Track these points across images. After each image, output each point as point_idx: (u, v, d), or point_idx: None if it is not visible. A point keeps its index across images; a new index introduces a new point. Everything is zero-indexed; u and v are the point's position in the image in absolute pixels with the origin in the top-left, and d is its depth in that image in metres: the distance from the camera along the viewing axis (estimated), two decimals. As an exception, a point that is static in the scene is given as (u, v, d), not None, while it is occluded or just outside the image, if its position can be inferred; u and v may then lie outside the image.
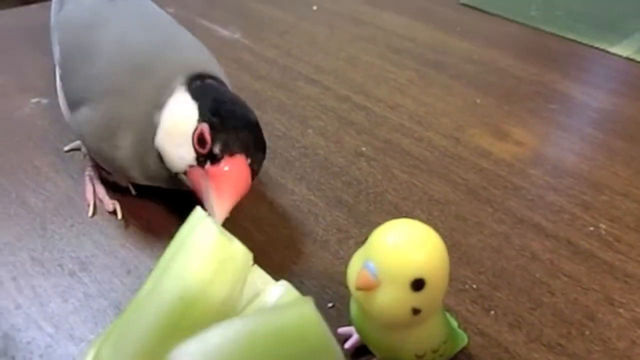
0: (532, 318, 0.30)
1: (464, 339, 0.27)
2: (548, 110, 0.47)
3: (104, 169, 0.35)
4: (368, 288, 0.22)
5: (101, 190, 0.35)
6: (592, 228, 0.35)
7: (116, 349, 0.21)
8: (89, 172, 0.35)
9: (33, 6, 0.57)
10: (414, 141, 0.42)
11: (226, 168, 0.28)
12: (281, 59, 0.52)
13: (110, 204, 0.34)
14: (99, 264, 0.30)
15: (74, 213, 0.33)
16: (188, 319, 0.22)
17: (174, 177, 0.30)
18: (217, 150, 0.28)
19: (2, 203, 0.34)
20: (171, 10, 0.58)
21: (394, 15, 0.62)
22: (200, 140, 0.28)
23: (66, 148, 0.38)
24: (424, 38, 0.57)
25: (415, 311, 0.22)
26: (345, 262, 0.23)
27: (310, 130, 0.42)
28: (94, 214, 0.34)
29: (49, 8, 0.39)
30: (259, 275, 0.25)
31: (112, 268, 0.30)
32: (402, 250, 0.22)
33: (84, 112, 0.31)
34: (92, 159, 0.35)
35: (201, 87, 0.30)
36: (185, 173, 0.29)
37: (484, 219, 0.35)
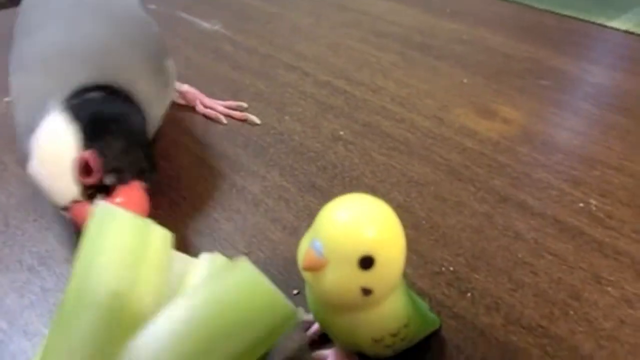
0: (511, 300, 0.28)
1: (435, 323, 0.26)
2: (539, 87, 0.45)
3: None
4: (314, 268, 0.20)
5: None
6: (581, 204, 0.33)
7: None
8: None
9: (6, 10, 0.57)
10: (394, 123, 0.40)
11: (120, 199, 0.25)
12: (262, 48, 0.50)
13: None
14: (60, 258, 0.30)
15: (38, 208, 0.33)
16: (125, 321, 0.20)
17: None
18: (109, 180, 0.25)
19: (-34, 200, 0.33)
20: (153, 6, 0.58)
21: (380, 0, 0.61)
22: (85, 170, 0.25)
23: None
24: (410, 21, 0.55)
25: (366, 291, 0.20)
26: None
27: (287, 117, 0.41)
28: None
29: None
30: (179, 258, 0.23)
31: (73, 261, 0.29)
32: (348, 227, 0.20)
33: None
34: None
35: (80, 104, 0.26)
36: (66, 209, 0.26)
37: (465, 198, 0.34)
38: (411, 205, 0.33)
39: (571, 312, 0.27)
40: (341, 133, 0.39)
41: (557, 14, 0.57)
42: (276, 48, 0.51)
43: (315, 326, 0.25)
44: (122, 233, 0.21)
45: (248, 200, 0.33)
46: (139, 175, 0.26)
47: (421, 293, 0.28)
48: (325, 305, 0.22)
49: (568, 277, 0.29)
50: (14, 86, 0.30)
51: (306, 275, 0.21)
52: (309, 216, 0.32)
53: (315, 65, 0.48)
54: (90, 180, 0.25)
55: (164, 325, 0.20)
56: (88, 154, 0.25)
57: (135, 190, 0.26)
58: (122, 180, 0.25)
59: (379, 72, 0.47)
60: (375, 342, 0.22)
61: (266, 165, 0.36)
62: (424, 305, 0.26)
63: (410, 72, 0.47)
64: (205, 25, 0.55)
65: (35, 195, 0.33)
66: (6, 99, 0.42)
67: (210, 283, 0.21)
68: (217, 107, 0.41)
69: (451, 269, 0.29)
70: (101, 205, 0.22)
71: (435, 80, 0.46)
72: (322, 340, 0.25)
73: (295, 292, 0.28)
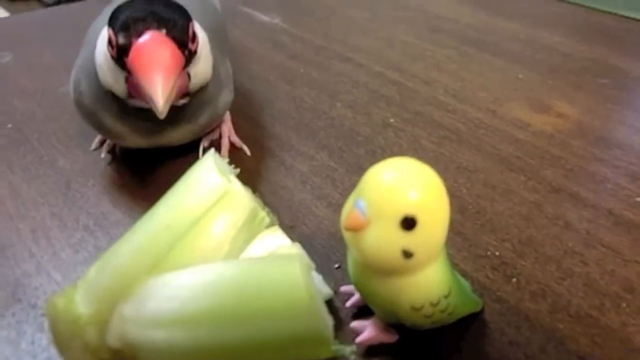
0: (559, 288, 0.27)
1: (477, 304, 0.25)
2: (597, 84, 0.43)
3: None
4: (356, 228, 0.20)
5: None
6: (638, 199, 0.32)
7: (100, 269, 0.21)
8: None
9: (80, 3, 0.61)
10: (446, 113, 0.40)
11: (137, 46, 0.26)
12: (317, 40, 0.51)
13: (105, 150, 0.36)
14: (113, 220, 0.31)
15: (97, 174, 0.34)
16: (175, 251, 0.21)
17: (138, 110, 0.30)
18: (121, 40, 0.27)
19: (33, 165, 0.35)
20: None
21: (438, -2, 0.61)
22: (110, 45, 0.28)
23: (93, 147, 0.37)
24: (467, 19, 0.55)
25: (407, 254, 0.20)
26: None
27: (339, 104, 0.41)
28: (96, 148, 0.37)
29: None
30: (280, 237, 0.24)
31: (125, 224, 0.31)
32: (392, 187, 0.20)
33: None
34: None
35: (115, 10, 0.29)
36: (130, 94, 0.29)
37: (515, 187, 0.33)
38: (458, 190, 0.33)
39: (623, 305, 0.26)
40: (391, 120, 0.39)
41: (617, 14, 0.56)
42: (331, 40, 0.51)
43: (355, 297, 0.25)
44: (200, 185, 0.22)
45: (296, 177, 0.34)
46: (152, 25, 0.27)
47: (464, 275, 0.27)
48: (366, 269, 0.22)
49: (622, 269, 0.28)
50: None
51: (348, 236, 0.21)
52: (355, 195, 0.32)
53: (369, 57, 0.48)
54: (113, 49, 0.28)
55: (187, 278, 0.20)
56: (109, 31, 0.28)
57: (149, 38, 0.27)
58: (132, 34, 0.27)
59: (433, 65, 0.47)
60: (414, 310, 0.22)
61: (316, 147, 0.37)
62: (466, 284, 0.25)
63: (464, 67, 0.46)
64: (265, 18, 0.56)
65: (95, 163, 0.35)
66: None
67: (254, 264, 0.21)
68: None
69: (497, 253, 0.29)
70: (208, 154, 0.23)
71: (490, 75, 0.45)
72: (362, 312, 0.25)
73: (336, 265, 0.28)
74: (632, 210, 0.31)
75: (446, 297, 0.22)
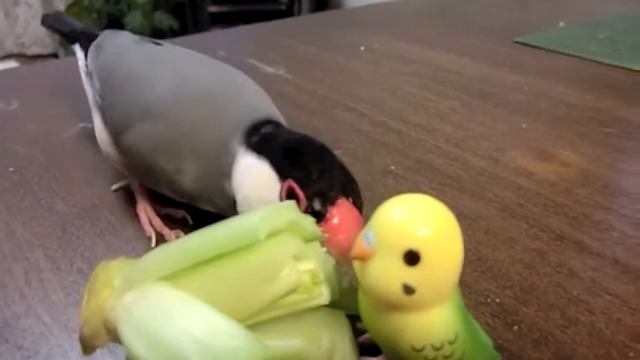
0: (563, 336, 0.26)
1: (493, 359, 0.24)
2: (603, 134, 0.43)
3: (157, 203, 0.34)
4: (361, 257, 0.20)
5: (158, 223, 0.33)
6: (646, 248, 0.31)
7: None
8: (142, 204, 0.34)
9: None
10: (448, 161, 0.40)
11: (336, 221, 0.24)
12: (321, 90, 0.52)
13: (172, 234, 0.32)
14: (107, 263, 0.30)
15: (95, 218, 0.34)
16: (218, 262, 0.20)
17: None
18: (318, 206, 0.24)
19: (31, 207, 0.35)
20: (222, 53, 0.62)
21: (442, 53, 0.62)
22: (290, 198, 0.25)
23: (114, 187, 0.37)
24: (471, 72, 0.56)
25: (408, 289, 0.19)
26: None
27: (339, 151, 0.41)
28: (157, 242, 0.32)
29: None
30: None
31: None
32: (399, 219, 0.19)
33: (140, 129, 0.30)
34: (143, 190, 0.34)
35: (262, 140, 0.27)
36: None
37: (517, 235, 0.32)
38: (459, 237, 0.32)
39: (631, 354, 0.25)
40: (392, 168, 0.39)
41: (621, 67, 0.56)
42: (335, 91, 0.52)
43: (365, 335, 0.25)
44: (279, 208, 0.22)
45: (293, 222, 0.33)
46: (343, 192, 0.25)
47: (464, 322, 0.26)
48: (373, 303, 0.21)
49: (629, 318, 0.27)
50: (158, 130, 0.30)
51: (356, 266, 0.20)
52: (352, 240, 0.32)
53: (372, 107, 0.48)
54: (300, 208, 0.25)
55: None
56: (290, 183, 0.25)
57: (346, 209, 0.25)
58: (329, 202, 0.25)
59: (435, 115, 0.47)
60: (415, 351, 0.21)
61: (314, 193, 0.36)
62: (486, 338, 0.23)
63: (467, 117, 0.46)
64: (270, 69, 0.58)
65: (93, 206, 0.35)
66: (81, 124, 0.46)
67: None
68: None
69: (497, 300, 0.28)
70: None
71: (493, 125, 0.45)
72: (372, 350, 0.24)
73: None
74: (639, 259, 0.30)
75: (451, 343, 0.21)
